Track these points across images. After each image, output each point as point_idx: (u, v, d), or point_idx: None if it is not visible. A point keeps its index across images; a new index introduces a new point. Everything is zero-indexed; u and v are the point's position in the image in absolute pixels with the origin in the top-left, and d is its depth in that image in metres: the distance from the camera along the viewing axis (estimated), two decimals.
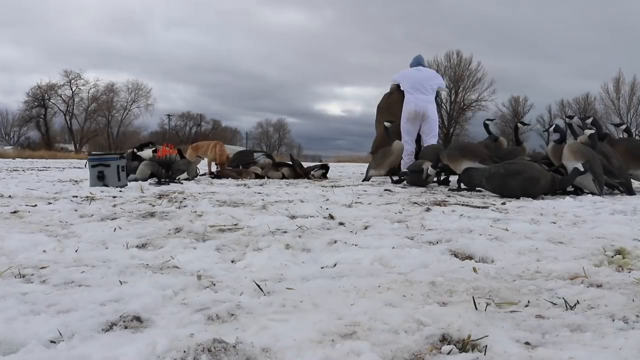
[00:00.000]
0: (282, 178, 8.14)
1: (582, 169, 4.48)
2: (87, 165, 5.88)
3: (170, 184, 6.28)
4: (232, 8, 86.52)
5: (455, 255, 1.93)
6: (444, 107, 46.79)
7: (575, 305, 1.28)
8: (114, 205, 3.54)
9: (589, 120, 5.59)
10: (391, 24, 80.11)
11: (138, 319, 1.16)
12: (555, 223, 2.81)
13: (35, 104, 50.04)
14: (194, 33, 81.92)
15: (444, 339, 1.05)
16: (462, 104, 47.44)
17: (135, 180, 6.61)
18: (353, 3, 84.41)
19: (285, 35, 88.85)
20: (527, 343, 1.04)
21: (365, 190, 5.38)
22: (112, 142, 50.40)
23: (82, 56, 74.20)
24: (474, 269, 1.69)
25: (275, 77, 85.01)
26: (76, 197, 4.19)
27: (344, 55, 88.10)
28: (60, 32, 69.02)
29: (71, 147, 50.23)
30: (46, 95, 50.03)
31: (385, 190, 5.47)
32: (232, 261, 1.86)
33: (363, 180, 7.52)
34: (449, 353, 1.00)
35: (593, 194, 4.64)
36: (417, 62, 8.44)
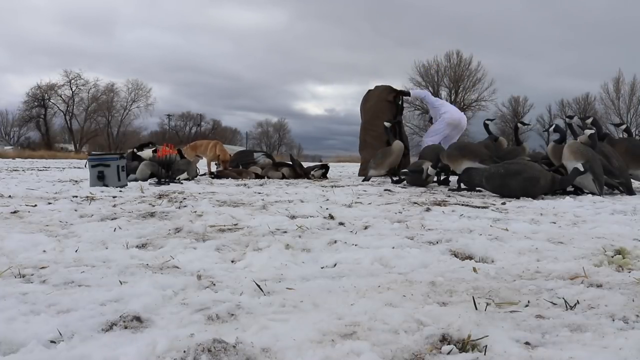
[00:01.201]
0: (282, 178, 8.14)
1: (582, 169, 4.48)
2: (87, 165, 5.88)
3: (170, 184, 6.28)
4: (195, 8, 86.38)
5: (455, 255, 1.93)
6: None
7: (575, 305, 1.28)
8: (114, 205, 3.54)
9: (589, 120, 5.59)
10: (358, 20, 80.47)
11: (138, 319, 1.15)
12: (555, 223, 2.81)
13: (35, 104, 50.03)
14: (158, 33, 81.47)
15: (444, 339, 1.05)
16: (462, 104, 47.41)
17: (135, 180, 6.61)
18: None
19: (252, 34, 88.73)
20: (527, 343, 1.04)
21: (365, 190, 5.38)
22: (112, 142, 50.38)
23: (46, 56, 73.36)
24: (474, 269, 1.69)
25: (249, 76, 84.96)
26: (76, 197, 4.19)
27: (314, 52, 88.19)
28: (23, 31, 68.14)
29: (71, 147, 50.22)
30: (46, 95, 50.03)
31: (385, 190, 5.47)
32: (232, 261, 1.86)
33: (363, 180, 7.52)
34: (449, 353, 1.00)
35: (593, 194, 4.64)
36: None
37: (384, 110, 8.77)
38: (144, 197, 4.33)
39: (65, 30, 72.43)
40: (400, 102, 9.16)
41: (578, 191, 4.94)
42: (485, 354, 0.99)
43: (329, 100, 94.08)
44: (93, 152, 6.15)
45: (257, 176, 8.11)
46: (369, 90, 9.42)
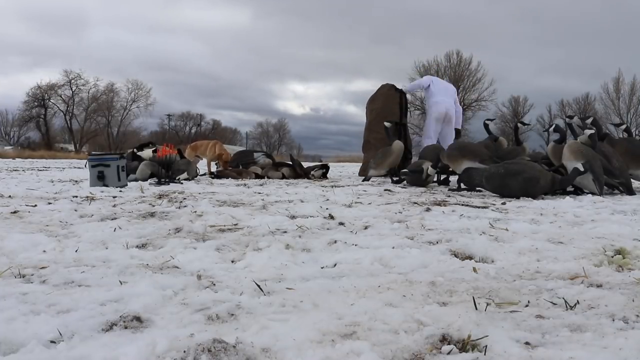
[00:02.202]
0: (282, 178, 8.15)
1: (582, 169, 4.48)
2: (87, 165, 5.88)
3: (170, 184, 6.28)
4: (156, 8, 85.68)
5: (455, 255, 1.93)
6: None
7: (575, 305, 1.28)
8: (114, 205, 3.54)
9: (589, 120, 5.59)
10: (333, 17, 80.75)
11: (138, 319, 1.15)
12: (555, 223, 2.81)
13: (35, 104, 50.05)
14: (126, 33, 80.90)
15: (444, 339, 1.05)
16: (462, 103, 47.42)
17: (135, 180, 6.61)
18: None
19: (219, 33, 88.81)
20: (527, 343, 1.04)
21: (365, 190, 5.38)
22: (112, 142, 50.38)
23: (17, 55, 73.23)
24: (474, 269, 1.69)
25: (226, 75, 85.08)
26: (76, 197, 4.19)
27: (288, 50, 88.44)
28: None
29: (71, 147, 50.23)
30: (46, 95, 50.05)
31: (385, 190, 5.47)
32: (232, 261, 1.86)
33: (363, 180, 7.52)
34: (449, 353, 1.00)
35: (593, 194, 4.64)
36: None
37: (389, 111, 8.75)
38: (144, 197, 4.33)
39: (32, 30, 72.06)
40: (404, 103, 9.12)
41: (578, 191, 4.94)
42: (485, 354, 0.99)
43: (312, 99, 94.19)
44: (93, 152, 6.15)
45: (257, 176, 8.11)
46: (377, 91, 9.43)
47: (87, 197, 4.19)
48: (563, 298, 1.33)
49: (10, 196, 4.18)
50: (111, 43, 73.82)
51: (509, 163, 4.80)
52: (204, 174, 8.64)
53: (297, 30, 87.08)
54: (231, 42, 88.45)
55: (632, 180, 5.28)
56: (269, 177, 8.15)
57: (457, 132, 8.81)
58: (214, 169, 9.22)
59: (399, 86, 9.44)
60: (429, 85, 9.28)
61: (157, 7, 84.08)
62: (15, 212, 3.07)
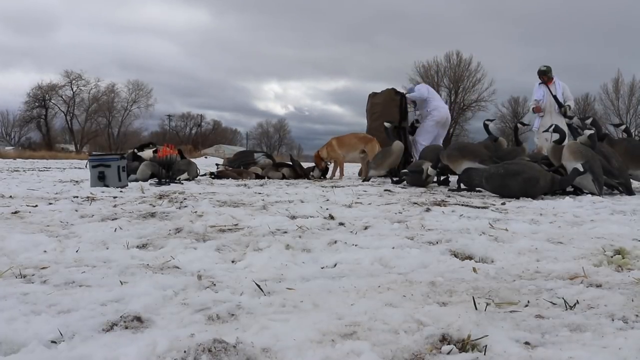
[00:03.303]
0: (282, 178, 8.15)
1: (581, 170, 4.48)
2: (87, 165, 5.88)
3: (171, 184, 6.28)
4: (119, 6, 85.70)
5: (455, 256, 1.93)
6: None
7: (574, 305, 1.29)
8: (115, 206, 3.55)
9: (589, 121, 5.58)
10: (299, 14, 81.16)
11: (138, 319, 1.16)
12: (554, 223, 2.81)
13: (36, 104, 50.10)
14: (99, 33, 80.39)
15: (444, 339, 1.05)
16: (462, 104, 47.41)
17: (136, 180, 6.62)
18: None
19: (187, 32, 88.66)
20: (526, 343, 1.05)
21: (365, 191, 5.38)
22: (113, 143, 50.41)
23: None
24: (474, 269, 1.69)
25: (201, 74, 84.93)
26: (77, 197, 4.19)
27: (261, 49, 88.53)
28: None
29: (72, 147, 50.26)
30: (47, 95, 50.09)
31: (385, 190, 5.47)
32: (233, 261, 1.86)
33: (363, 181, 7.52)
34: (449, 353, 1.00)
35: (592, 194, 4.64)
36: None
37: (390, 114, 8.75)
38: (144, 197, 4.33)
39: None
40: (405, 106, 9.13)
41: (577, 191, 4.94)
42: (485, 354, 0.99)
43: (294, 98, 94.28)
44: (94, 153, 6.16)
45: (257, 176, 8.11)
46: (376, 94, 9.44)
47: (88, 197, 4.20)
48: (563, 298, 1.34)
49: (11, 196, 4.19)
50: (81, 44, 73.95)
51: (509, 163, 4.80)
52: (205, 175, 8.64)
53: (265, 29, 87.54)
54: (200, 41, 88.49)
55: (631, 180, 5.28)
56: (269, 178, 8.15)
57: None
58: (214, 169, 9.21)
59: (399, 89, 9.49)
60: (429, 97, 9.51)
61: (118, 8, 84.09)
62: (16, 212, 3.07)
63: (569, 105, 8.14)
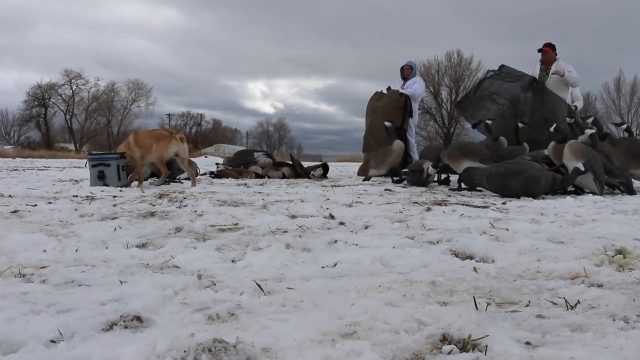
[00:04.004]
0: (282, 178, 8.14)
1: (582, 169, 4.47)
2: (87, 164, 5.87)
3: (171, 183, 6.27)
4: (95, 4, 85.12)
5: (456, 255, 1.93)
6: (445, 106, 46.80)
7: (576, 305, 1.28)
8: (114, 205, 3.54)
9: (590, 120, 5.58)
10: (273, 11, 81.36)
11: (138, 318, 1.15)
12: (555, 223, 2.80)
13: (36, 103, 50.12)
14: (79, 32, 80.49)
15: (445, 339, 1.05)
16: None
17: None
18: None
19: (164, 30, 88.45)
20: (527, 343, 1.04)
21: (365, 190, 5.38)
22: (112, 142, 50.41)
23: None
24: (475, 269, 1.68)
25: (186, 73, 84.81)
26: (76, 196, 4.19)
27: (243, 47, 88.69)
28: None
29: (71, 146, 50.27)
30: (46, 94, 50.10)
31: (386, 190, 5.46)
32: (233, 261, 1.86)
33: (363, 180, 7.52)
34: (449, 353, 1.00)
35: (594, 193, 4.64)
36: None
37: (393, 115, 8.73)
38: (144, 196, 4.33)
39: None
40: (410, 108, 9.11)
41: (579, 191, 4.94)
42: (485, 354, 0.99)
43: (283, 97, 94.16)
44: (93, 152, 6.15)
45: (258, 176, 8.11)
46: (378, 93, 9.41)
47: (88, 196, 4.19)
48: (564, 298, 1.33)
49: (10, 196, 4.19)
50: (61, 42, 73.75)
51: (510, 163, 4.80)
52: (204, 174, 8.64)
53: (242, 26, 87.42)
54: (180, 40, 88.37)
55: (632, 179, 5.27)
56: (269, 177, 8.15)
57: None
58: (214, 168, 9.21)
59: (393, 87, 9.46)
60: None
61: (93, 6, 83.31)
62: (15, 211, 3.07)
63: (575, 106, 8.07)
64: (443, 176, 6.76)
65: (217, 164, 9.34)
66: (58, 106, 51.09)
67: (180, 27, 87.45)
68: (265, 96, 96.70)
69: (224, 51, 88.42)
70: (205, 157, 29.92)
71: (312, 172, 8.46)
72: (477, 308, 1.26)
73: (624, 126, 6.91)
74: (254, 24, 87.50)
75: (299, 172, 8.36)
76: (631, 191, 4.93)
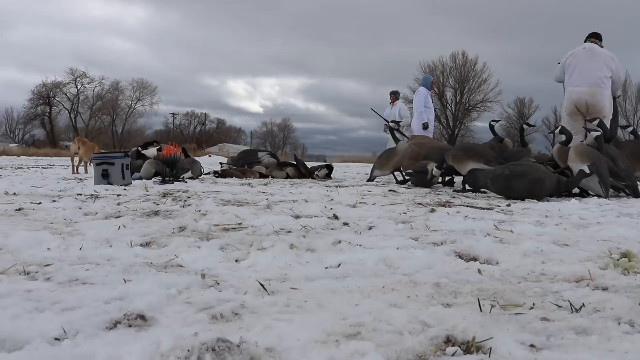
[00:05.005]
0: (286, 178, 8.15)
1: (588, 171, 4.45)
2: (91, 163, 5.89)
3: (175, 182, 6.28)
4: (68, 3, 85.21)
5: (460, 257, 1.92)
6: (450, 108, 46.77)
7: (581, 308, 1.28)
8: (119, 204, 3.55)
9: (596, 122, 5.56)
10: (248, 8, 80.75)
11: (142, 317, 1.16)
12: (560, 225, 2.79)
13: (41, 102, 50.37)
14: (56, 32, 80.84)
15: (449, 341, 1.05)
16: (468, 105, 47.35)
17: (140, 178, 6.63)
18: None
19: (148, 31, 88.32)
20: (532, 346, 1.04)
21: (369, 191, 5.38)
22: (117, 141, 50.61)
23: None
24: (479, 271, 1.68)
25: (167, 72, 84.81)
26: (81, 195, 4.20)
27: (221, 46, 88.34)
28: None
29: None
30: (51, 93, 50.33)
31: (390, 191, 5.46)
32: (237, 261, 1.86)
33: (368, 181, 7.51)
34: (453, 355, 1.00)
35: (599, 196, 4.62)
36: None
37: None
38: (148, 195, 4.34)
39: None
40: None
41: (584, 193, 4.92)
42: (490, 357, 0.98)
43: (271, 97, 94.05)
44: (98, 151, 6.17)
45: (262, 176, 8.11)
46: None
47: (92, 195, 4.20)
48: (569, 301, 1.33)
49: (15, 194, 4.20)
50: (40, 41, 73.83)
51: (515, 165, 4.78)
52: (209, 174, 8.65)
53: (217, 24, 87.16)
54: (156, 39, 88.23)
55: (638, 182, 5.25)
56: (273, 177, 8.15)
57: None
58: (217, 168, 9.22)
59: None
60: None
61: (66, 5, 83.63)
62: (20, 209, 3.08)
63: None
64: (447, 178, 6.75)
65: (221, 163, 9.36)
66: (63, 105, 51.39)
67: (152, 26, 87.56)
68: (251, 95, 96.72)
69: (202, 50, 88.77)
70: (210, 156, 30.00)
71: (316, 173, 8.46)
72: (481, 310, 1.25)
73: (630, 129, 6.88)
74: (225, 20, 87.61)
75: (303, 173, 8.36)
76: (637, 194, 4.90)
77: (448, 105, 47.19)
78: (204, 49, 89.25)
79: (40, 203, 3.44)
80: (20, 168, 10.54)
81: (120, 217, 2.84)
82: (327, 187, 6.03)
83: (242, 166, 8.94)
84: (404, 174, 7.14)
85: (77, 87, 51.15)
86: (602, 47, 6.40)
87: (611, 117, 6.23)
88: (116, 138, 52.03)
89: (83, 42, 77.70)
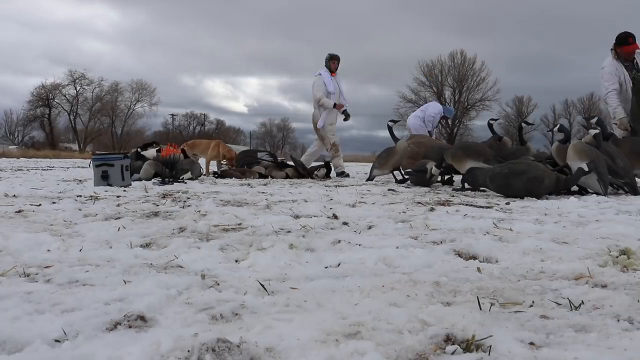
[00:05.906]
0: (285, 178, 8.15)
1: (586, 169, 4.46)
2: (91, 164, 5.89)
3: (174, 183, 6.28)
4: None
5: (459, 255, 1.93)
6: (448, 106, 46.90)
7: (580, 305, 1.28)
8: (118, 205, 3.55)
9: (594, 120, 5.56)
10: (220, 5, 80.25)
11: (142, 318, 1.16)
12: (559, 223, 2.80)
13: (40, 103, 50.35)
14: (36, 31, 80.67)
15: (448, 339, 1.05)
16: (466, 103, 47.36)
17: (139, 179, 6.63)
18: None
19: (119, 31, 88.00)
20: (531, 343, 1.04)
21: (369, 190, 5.38)
22: (116, 142, 50.59)
23: None
24: (478, 269, 1.68)
25: (145, 72, 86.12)
26: (80, 196, 4.20)
27: (195, 46, 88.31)
28: None
29: (75, 146, 50.47)
30: (50, 95, 50.32)
31: (389, 190, 5.46)
32: (236, 261, 1.86)
33: (367, 180, 7.51)
34: (453, 353, 1.00)
35: (597, 194, 4.62)
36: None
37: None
38: (147, 196, 4.34)
39: None
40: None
41: (582, 191, 4.93)
42: (489, 354, 0.99)
43: (255, 96, 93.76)
44: (97, 152, 6.17)
45: (261, 176, 8.11)
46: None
47: (91, 196, 4.20)
48: (568, 298, 1.33)
49: (14, 195, 4.20)
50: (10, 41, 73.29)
51: (513, 163, 4.79)
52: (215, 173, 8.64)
53: (189, 22, 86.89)
54: (129, 39, 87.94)
55: (637, 180, 5.26)
56: (272, 177, 8.15)
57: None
58: (214, 168, 9.21)
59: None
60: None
61: (34, 5, 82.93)
62: (19, 211, 3.08)
63: None
64: (446, 176, 6.76)
65: (225, 163, 9.34)
66: (62, 106, 51.39)
67: (121, 26, 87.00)
68: (236, 95, 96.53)
69: (178, 49, 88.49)
70: None
71: (315, 173, 8.46)
72: (480, 308, 1.26)
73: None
74: (196, 19, 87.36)
75: (301, 173, 8.36)
76: (635, 191, 4.91)
77: (447, 104, 47.18)
78: (183, 49, 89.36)
79: (39, 204, 3.44)
80: (19, 170, 10.53)
81: (119, 218, 2.84)
82: (326, 186, 6.03)
83: (241, 166, 8.94)
84: (403, 172, 7.15)
85: (76, 89, 51.19)
86: (610, 54, 6.59)
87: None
88: (115, 139, 52.03)
89: (54, 43, 77.75)
